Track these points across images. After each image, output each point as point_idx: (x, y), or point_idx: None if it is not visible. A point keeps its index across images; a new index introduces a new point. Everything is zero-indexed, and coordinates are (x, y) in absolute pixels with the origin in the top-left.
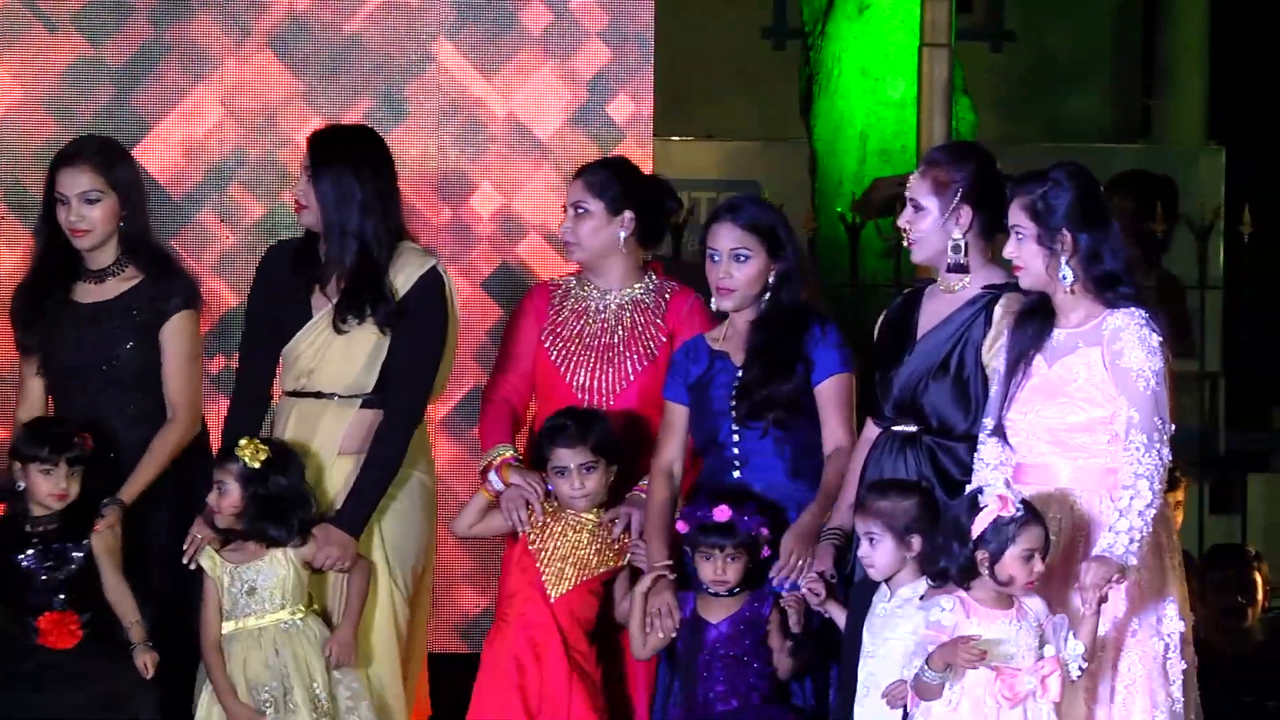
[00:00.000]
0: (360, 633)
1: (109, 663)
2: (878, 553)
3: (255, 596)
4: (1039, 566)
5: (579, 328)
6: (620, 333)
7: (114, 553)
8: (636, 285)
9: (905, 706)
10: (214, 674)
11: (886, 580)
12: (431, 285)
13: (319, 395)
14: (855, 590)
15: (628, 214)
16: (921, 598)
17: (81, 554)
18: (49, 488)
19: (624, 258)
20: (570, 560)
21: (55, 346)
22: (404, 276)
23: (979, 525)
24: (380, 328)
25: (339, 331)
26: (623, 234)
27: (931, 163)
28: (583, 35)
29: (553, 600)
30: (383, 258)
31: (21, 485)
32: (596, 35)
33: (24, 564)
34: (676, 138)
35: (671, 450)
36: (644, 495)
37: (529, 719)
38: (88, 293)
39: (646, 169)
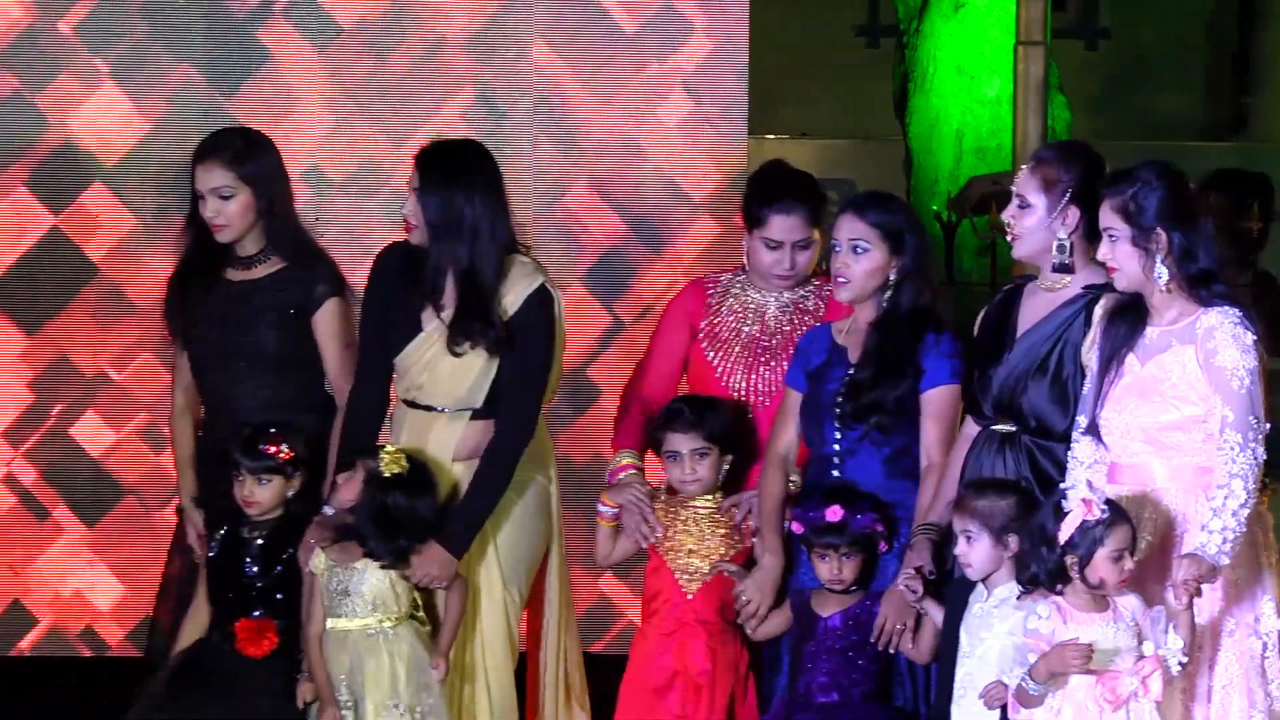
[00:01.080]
0: (474, 639)
1: (276, 677)
2: (974, 552)
3: (348, 599)
4: (1129, 566)
5: (737, 328)
6: (780, 336)
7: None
8: (800, 287)
9: (1003, 708)
10: (315, 665)
11: (983, 579)
12: (540, 304)
13: (429, 408)
14: (952, 589)
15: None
16: (1018, 598)
17: (287, 557)
18: (241, 494)
19: None
20: (698, 554)
21: (199, 324)
22: (513, 296)
23: (1066, 530)
24: (489, 352)
25: (454, 354)
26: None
27: (1041, 160)
28: (677, 34)
29: (690, 598)
30: (491, 277)
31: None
32: (691, 34)
33: (245, 569)
34: (770, 136)
35: (786, 437)
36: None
37: None
38: (235, 276)
39: (740, 168)
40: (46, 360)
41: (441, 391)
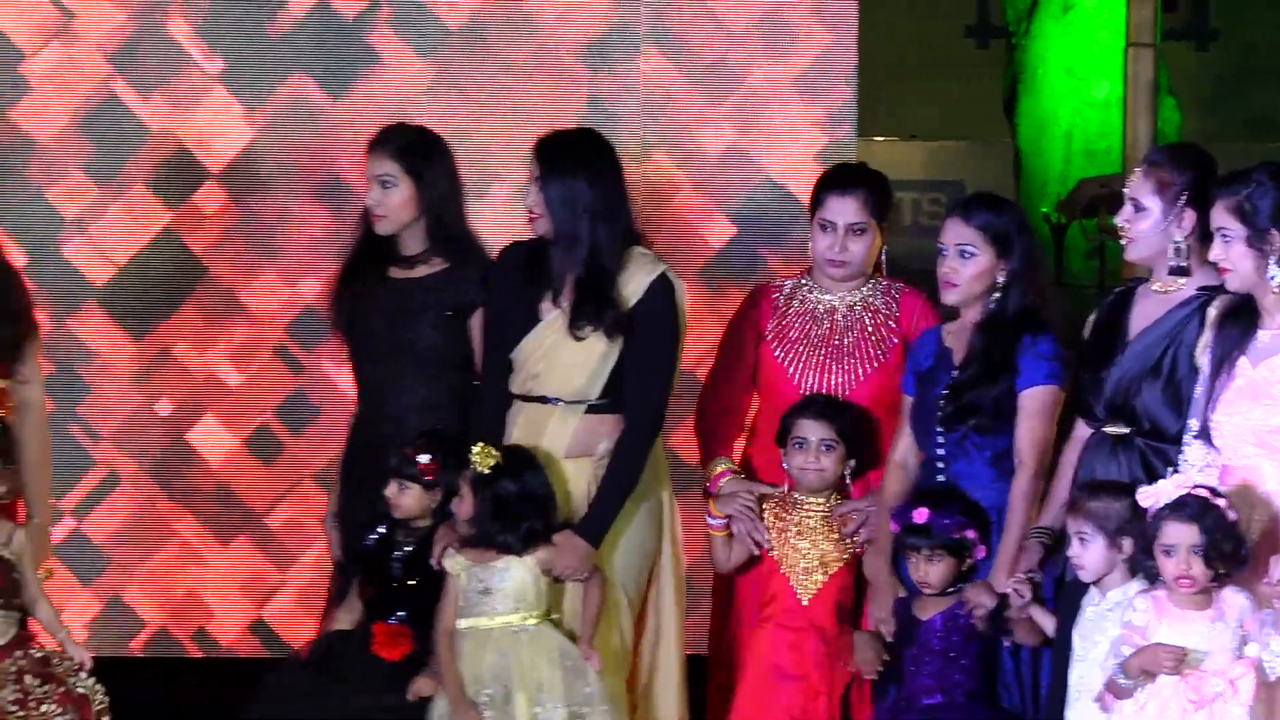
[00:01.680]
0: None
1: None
2: (1088, 553)
3: (490, 597)
4: (1191, 566)
5: (807, 329)
6: (851, 336)
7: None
8: (864, 286)
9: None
10: (445, 666)
11: (1096, 582)
12: (662, 292)
13: (544, 400)
14: (1065, 591)
15: (885, 230)
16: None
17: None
18: (387, 492)
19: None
20: (811, 558)
21: (361, 320)
22: (635, 284)
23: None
24: (609, 335)
25: (576, 339)
26: (885, 250)
27: (1154, 163)
28: (787, 35)
29: (805, 604)
30: (613, 265)
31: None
32: (800, 35)
33: (392, 571)
34: (880, 138)
35: (905, 442)
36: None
37: None
38: (398, 274)
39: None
40: (156, 362)
41: (558, 381)
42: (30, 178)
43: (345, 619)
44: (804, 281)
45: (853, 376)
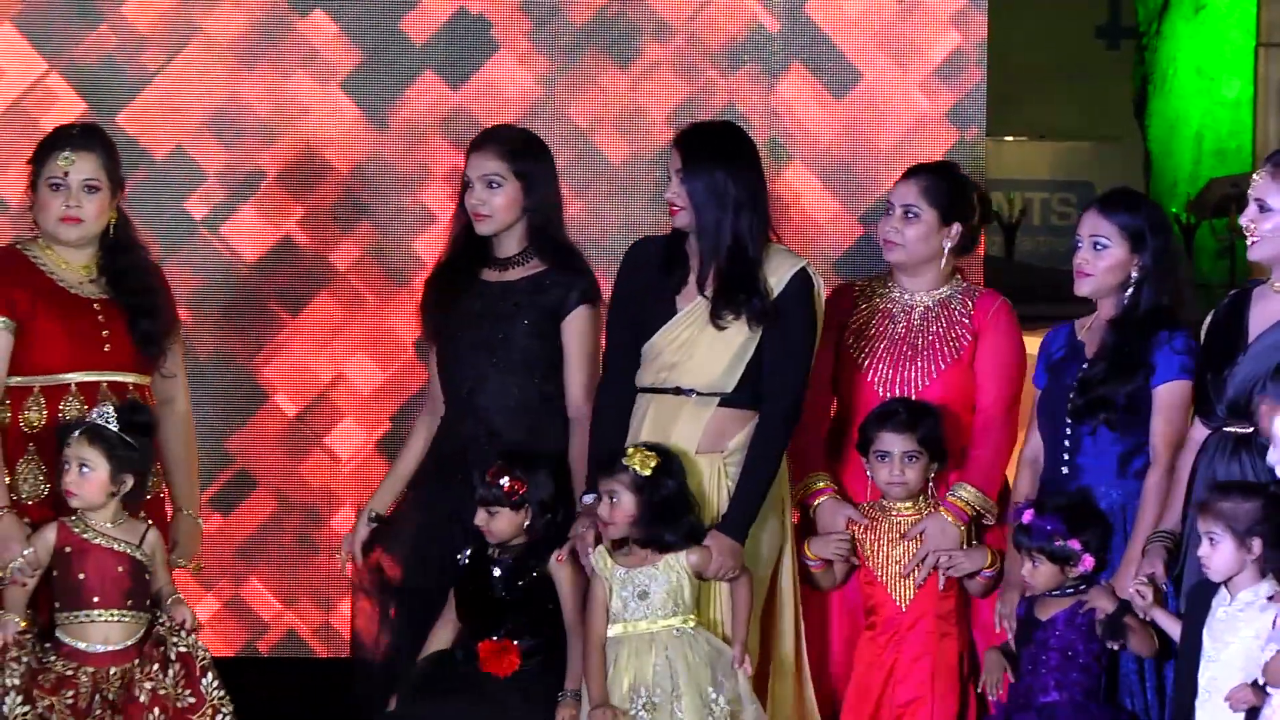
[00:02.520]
0: (756, 653)
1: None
2: (1217, 554)
3: (647, 601)
4: None
5: (883, 326)
6: (926, 334)
7: (575, 585)
8: (945, 286)
9: (1250, 710)
10: (594, 677)
11: (1225, 582)
12: (803, 287)
13: (677, 391)
14: (1194, 592)
15: (956, 227)
16: (1269, 598)
17: (536, 575)
18: (483, 525)
19: (940, 265)
20: (906, 563)
21: (455, 322)
22: (775, 278)
23: None
24: (750, 325)
25: (719, 327)
26: (948, 245)
27: (1279, 164)
28: (917, 36)
29: (904, 610)
30: (755, 252)
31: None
32: (931, 36)
33: (492, 587)
34: (1009, 138)
35: (1036, 439)
36: (949, 506)
37: None
38: (492, 277)
39: (979, 170)
40: (284, 361)
41: (695, 371)
42: (159, 179)
43: (442, 637)
44: (881, 281)
45: (926, 374)
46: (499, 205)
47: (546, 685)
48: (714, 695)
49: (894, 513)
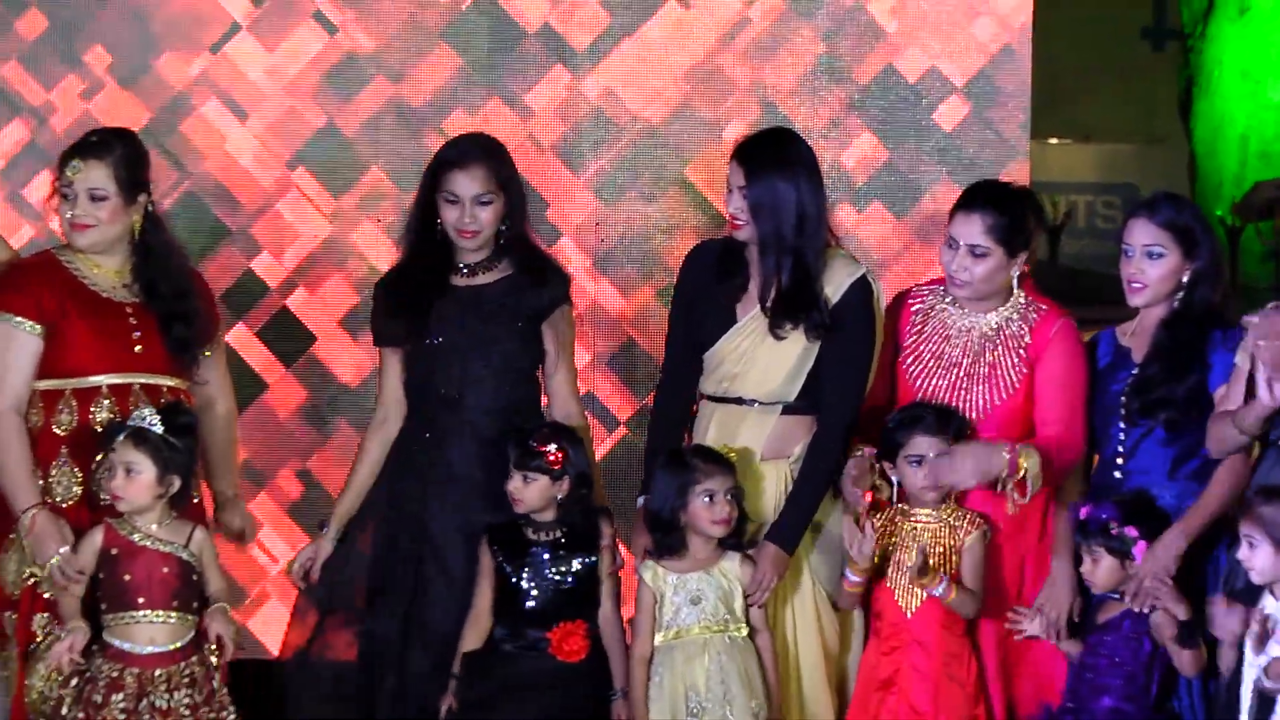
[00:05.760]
0: (789, 649)
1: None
2: (1257, 558)
3: (699, 607)
4: None
5: (940, 349)
6: (982, 364)
7: (614, 579)
8: (1004, 307)
9: None
10: (637, 688)
11: (1268, 586)
12: (862, 294)
13: (739, 401)
14: (1238, 594)
15: (1022, 255)
16: None
17: (583, 570)
18: (508, 488)
19: (1005, 290)
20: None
21: (434, 326)
22: (833, 286)
23: None
24: (809, 336)
25: (777, 338)
26: (1015, 273)
27: None
28: (962, 38)
29: (909, 616)
30: (816, 265)
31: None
32: (976, 37)
33: (525, 573)
34: (1054, 140)
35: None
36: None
37: None
38: (460, 282)
39: (1024, 172)
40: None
41: (755, 382)
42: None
43: (473, 637)
44: (944, 295)
45: (981, 409)
46: (488, 221)
47: (596, 679)
48: (755, 708)
49: (911, 518)
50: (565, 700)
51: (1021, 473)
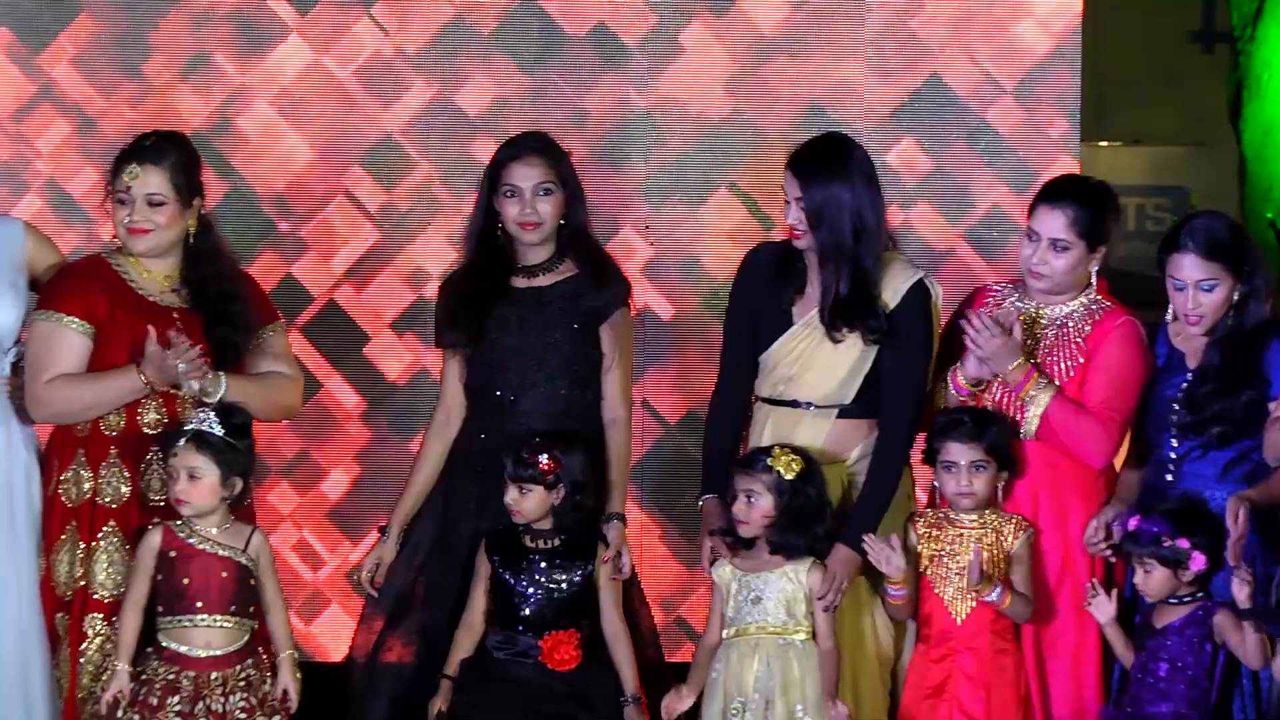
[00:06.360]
0: (843, 654)
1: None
2: None
3: (760, 606)
4: None
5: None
6: (1042, 351)
7: (615, 586)
8: (1071, 301)
9: None
10: (695, 673)
11: None
12: (920, 299)
13: (795, 404)
14: None
15: (1102, 249)
16: None
17: (579, 579)
18: (507, 499)
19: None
20: (964, 576)
21: (493, 329)
22: (891, 290)
23: None
24: (866, 340)
25: (835, 341)
26: (1094, 268)
27: None
28: (1011, 41)
29: (959, 623)
30: (872, 265)
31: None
32: (1024, 41)
33: (525, 584)
34: (1103, 143)
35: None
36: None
37: None
38: (521, 283)
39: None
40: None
41: (811, 385)
42: None
43: (467, 643)
44: (1015, 289)
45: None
46: (549, 213)
47: (603, 688)
48: (800, 711)
49: (956, 524)
50: (556, 710)
51: (1025, 396)
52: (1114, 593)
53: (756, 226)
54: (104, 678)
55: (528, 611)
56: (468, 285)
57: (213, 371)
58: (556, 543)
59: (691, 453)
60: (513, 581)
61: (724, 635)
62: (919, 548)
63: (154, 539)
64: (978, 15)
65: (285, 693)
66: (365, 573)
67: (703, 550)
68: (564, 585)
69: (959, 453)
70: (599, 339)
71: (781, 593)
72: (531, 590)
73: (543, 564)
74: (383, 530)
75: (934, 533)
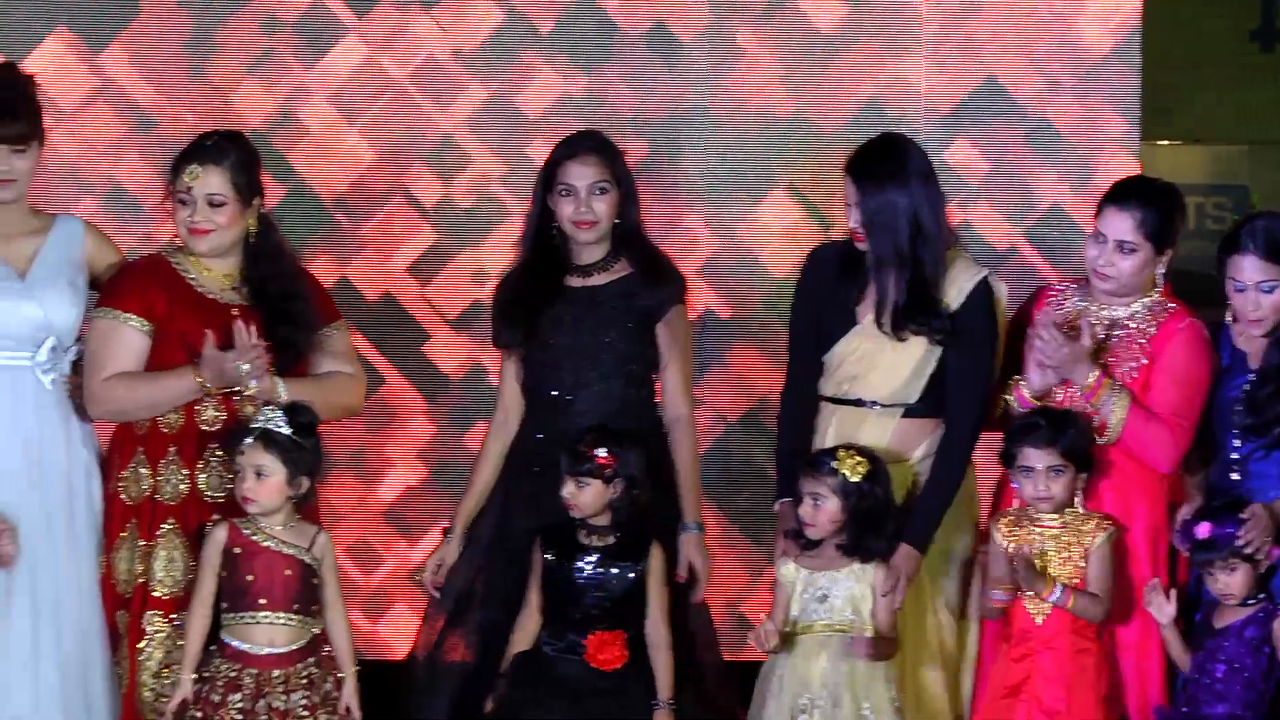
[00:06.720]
0: (910, 642)
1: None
2: None
3: (825, 604)
4: None
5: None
6: (1106, 352)
7: (662, 586)
8: (1136, 303)
9: None
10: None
11: None
12: (984, 297)
13: (859, 403)
14: None
15: (1169, 252)
16: None
17: (631, 577)
18: (563, 492)
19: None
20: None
21: (547, 329)
22: (956, 289)
23: None
24: (931, 340)
25: (899, 340)
26: (1161, 271)
27: None
28: (1069, 39)
29: (1039, 623)
30: (935, 266)
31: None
32: (1083, 39)
33: (577, 578)
34: (1163, 142)
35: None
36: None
37: None
38: (575, 283)
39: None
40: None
41: (876, 384)
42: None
43: (523, 638)
44: (1080, 291)
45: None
46: (604, 212)
47: (645, 689)
48: (867, 710)
49: (1036, 523)
50: (601, 709)
51: (1097, 402)
52: (1173, 593)
53: (814, 226)
54: (164, 674)
55: (578, 606)
56: (523, 284)
57: (270, 377)
58: (611, 540)
59: (751, 453)
60: (565, 576)
61: (788, 632)
62: (1004, 546)
63: (219, 535)
64: (1037, 14)
65: (349, 710)
66: (428, 573)
67: (776, 552)
68: (615, 583)
69: (1036, 458)
70: (654, 338)
71: (849, 591)
72: (583, 585)
73: (596, 560)
74: (446, 531)
75: (1015, 531)
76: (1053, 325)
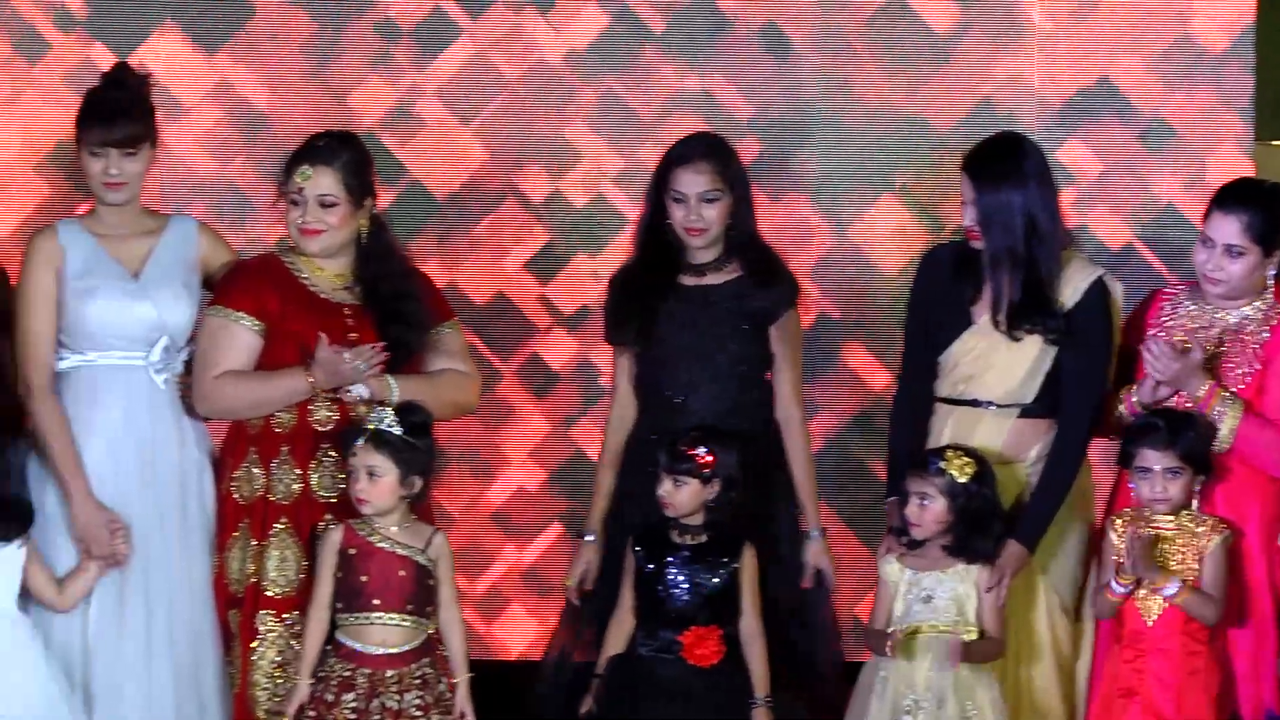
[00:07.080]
0: (1019, 641)
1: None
2: None
3: (930, 605)
4: None
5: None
6: (1218, 358)
7: (755, 585)
8: (1249, 305)
9: None
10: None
11: None
12: (1099, 297)
13: (975, 403)
14: None
15: (1278, 255)
16: None
17: (724, 575)
18: (659, 490)
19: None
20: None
21: (660, 327)
22: (1071, 289)
23: None
24: (1046, 340)
25: (1015, 339)
26: (1271, 273)
27: None
28: (1182, 38)
29: (1150, 624)
30: (1051, 265)
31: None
32: (1196, 38)
33: (669, 577)
34: (1276, 142)
35: None
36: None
37: None
38: (689, 282)
39: (1249, 176)
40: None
41: (992, 384)
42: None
43: (617, 639)
44: (1192, 293)
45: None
46: (714, 219)
47: (742, 688)
48: (971, 710)
49: (1154, 522)
50: (700, 708)
51: (1210, 412)
52: None
53: (924, 225)
54: (277, 674)
55: (671, 606)
56: (635, 281)
57: (383, 376)
58: (704, 539)
59: (862, 455)
60: (657, 576)
61: (890, 630)
62: (1120, 545)
63: (335, 536)
64: (1150, 13)
65: (463, 714)
66: (573, 582)
67: (881, 550)
68: (708, 582)
69: (1154, 459)
70: (767, 339)
71: (953, 592)
72: (675, 585)
73: (688, 559)
74: (582, 536)
75: (1128, 530)
76: (1163, 340)
